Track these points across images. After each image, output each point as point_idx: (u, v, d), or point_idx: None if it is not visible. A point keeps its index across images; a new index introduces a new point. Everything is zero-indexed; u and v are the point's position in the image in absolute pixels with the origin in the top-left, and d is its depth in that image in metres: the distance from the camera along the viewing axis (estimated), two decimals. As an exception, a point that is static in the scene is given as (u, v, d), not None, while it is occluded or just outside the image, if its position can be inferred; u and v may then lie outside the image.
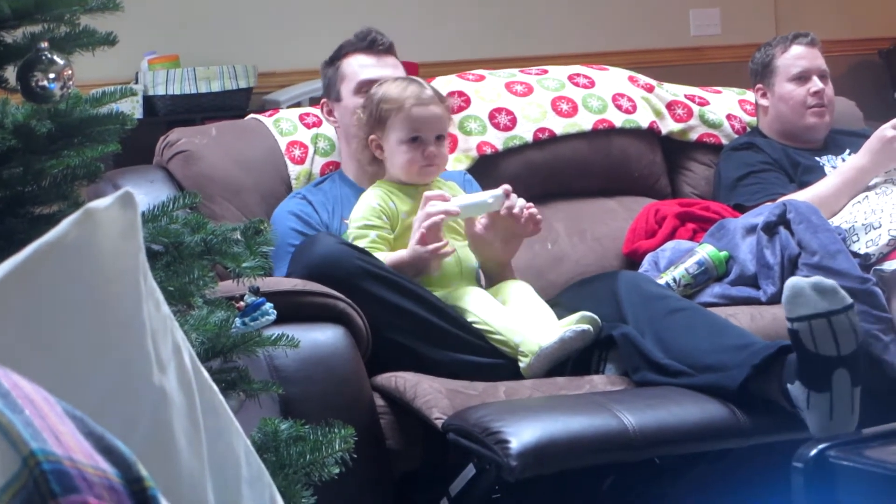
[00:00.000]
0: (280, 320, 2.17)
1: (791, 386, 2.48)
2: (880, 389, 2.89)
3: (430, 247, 2.86)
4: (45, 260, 1.02)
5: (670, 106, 3.82)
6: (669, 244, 3.40)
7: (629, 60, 4.54)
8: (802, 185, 3.54)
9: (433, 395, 2.59)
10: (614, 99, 3.74)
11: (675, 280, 3.22)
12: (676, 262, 3.28)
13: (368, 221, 2.97)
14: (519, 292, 2.95)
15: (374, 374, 2.70)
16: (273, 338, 2.07)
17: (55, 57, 1.82)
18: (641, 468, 2.79)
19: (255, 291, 2.13)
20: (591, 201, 3.65)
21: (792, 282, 2.49)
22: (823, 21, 5.26)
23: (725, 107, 3.89)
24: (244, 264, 1.98)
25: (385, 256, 2.88)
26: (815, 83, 3.70)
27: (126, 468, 0.82)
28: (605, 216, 3.62)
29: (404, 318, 2.76)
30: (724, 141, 3.81)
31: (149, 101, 4.37)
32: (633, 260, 3.48)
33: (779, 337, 2.64)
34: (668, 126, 3.80)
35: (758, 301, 3.17)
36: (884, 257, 3.22)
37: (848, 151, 3.66)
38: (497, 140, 3.56)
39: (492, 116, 3.59)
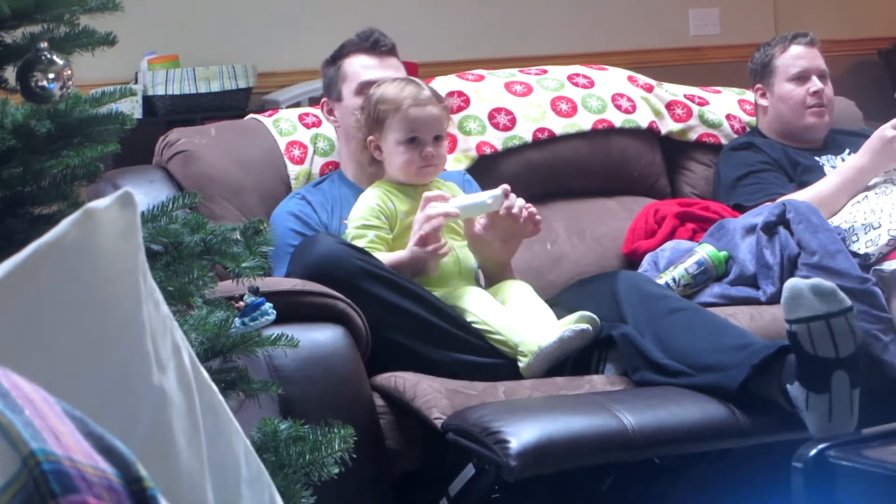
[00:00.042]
0: (279, 320, 2.17)
1: (790, 386, 2.48)
2: (880, 389, 2.89)
3: (429, 248, 2.86)
4: (44, 260, 1.02)
5: (670, 106, 3.82)
6: (669, 244, 3.40)
7: (628, 60, 4.54)
8: (802, 185, 3.54)
9: (433, 394, 2.59)
10: (614, 99, 3.75)
11: (674, 280, 3.22)
12: (676, 262, 3.28)
13: (367, 221, 2.98)
14: (518, 292, 2.95)
15: (374, 374, 2.70)
16: (272, 338, 2.07)
17: (55, 57, 1.82)
18: (641, 468, 2.79)
19: (255, 291, 2.13)
20: (590, 201, 3.65)
21: (791, 283, 2.48)
22: (823, 21, 5.26)
23: (725, 107, 3.89)
24: (244, 264, 1.98)
25: (383, 257, 2.88)
26: (815, 83, 3.70)
27: (125, 468, 0.82)
28: (604, 216, 3.62)
29: (404, 317, 2.76)
30: (724, 141, 3.81)
31: (148, 101, 4.37)
32: (632, 260, 3.48)
33: (778, 337, 2.64)
34: (668, 126, 3.80)
35: (757, 301, 3.17)
36: (883, 257, 3.22)
37: (847, 151, 3.66)
38: (496, 140, 3.56)
39: (491, 116, 3.59)
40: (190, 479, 1.08)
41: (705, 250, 3.25)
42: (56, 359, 1.03)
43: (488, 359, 2.80)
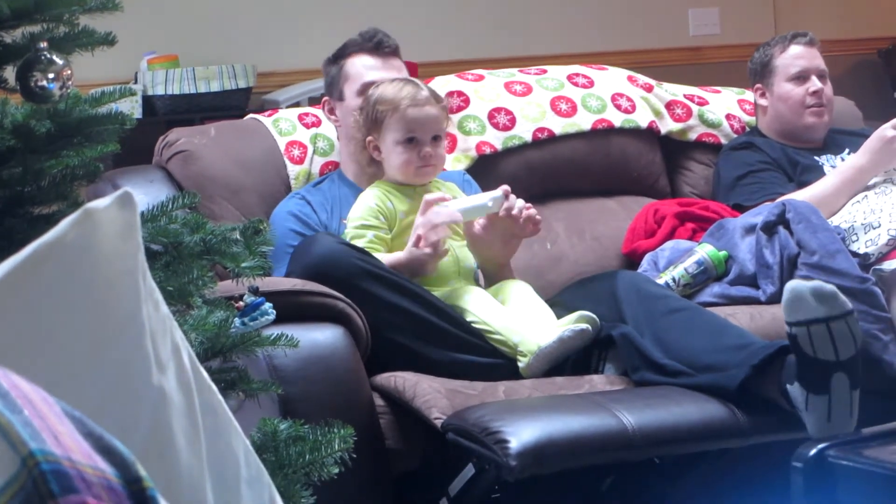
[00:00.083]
0: (279, 320, 2.17)
1: (790, 386, 2.48)
2: (880, 389, 2.89)
3: (427, 249, 2.86)
4: (44, 260, 1.02)
5: (669, 105, 3.82)
6: (669, 244, 3.40)
7: (628, 60, 4.54)
8: (801, 184, 3.54)
9: (432, 394, 2.59)
10: (613, 99, 3.75)
11: (674, 280, 3.22)
12: (676, 261, 3.28)
13: (366, 221, 2.98)
14: (518, 292, 2.95)
15: (374, 374, 2.70)
16: (272, 338, 2.07)
17: (54, 57, 1.82)
18: (641, 468, 2.79)
19: (255, 291, 2.13)
20: (590, 201, 3.65)
21: (792, 286, 2.48)
22: (823, 21, 5.26)
23: (724, 106, 3.89)
24: (243, 264, 1.98)
25: (382, 258, 2.88)
26: (814, 83, 3.71)
27: (125, 468, 0.82)
28: (604, 216, 3.62)
29: (404, 317, 2.76)
30: (724, 140, 3.81)
31: (148, 101, 4.37)
32: (632, 260, 3.48)
33: (778, 336, 2.64)
34: (668, 126, 3.80)
35: (757, 301, 3.17)
36: (883, 257, 3.22)
37: (847, 151, 3.66)
38: (496, 140, 3.56)
39: (491, 116, 3.59)
40: (189, 480, 1.08)
41: (705, 250, 3.25)
42: (55, 359, 1.02)
43: (488, 359, 2.80)
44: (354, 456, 2.06)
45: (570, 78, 3.77)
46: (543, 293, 2.99)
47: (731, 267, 3.25)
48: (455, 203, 2.95)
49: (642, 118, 3.74)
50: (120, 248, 1.07)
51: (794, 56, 3.74)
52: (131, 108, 4.18)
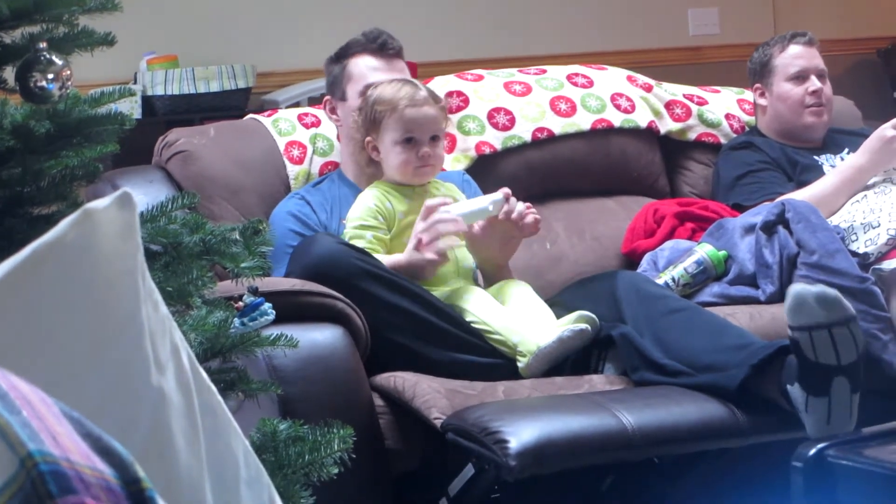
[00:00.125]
0: (279, 320, 2.17)
1: (790, 387, 2.48)
2: (879, 389, 2.89)
3: (432, 256, 2.86)
4: (43, 260, 1.02)
5: (669, 105, 3.82)
6: (668, 244, 3.40)
7: (628, 60, 4.54)
8: (801, 184, 3.54)
9: (432, 394, 2.59)
10: (613, 98, 3.75)
11: (673, 279, 3.22)
12: (675, 261, 3.28)
13: (365, 222, 2.98)
14: (518, 292, 2.95)
15: (373, 374, 2.70)
16: (272, 338, 2.07)
17: (54, 57, 1.82)
18: (641, 468, 2.79)
19: (254, 291, 2.13)
20: (589, 201, 3.65)
21: (795, 290, 2.46)
22: (822, 20, 5.26)
23: (724, 106, 3.89)
24: (243, 264, 1.98)
25: (381, 259, 2.88)
26: (813, 82, 3.71)
27: (124, 469, 0.82)
28: (603, 216, 3.62)
29: (403, 317, 2.76)
30: (723, 140, 3.81)
31: (147, 102, 4.37)
32: (631, 259, 3.48)
33: (778, 336, 2.64)
34: (667, 125, 3.80)
35: (757, 300, 3.17)
36: (882, 256, 3.22)
37: (847, 151, 3.66)
38: (496, 140, 3.56)
39: (490, 116, 3.59)
40: (189, 480, 1.08)
41: (704, 250, 3.25)
42: (55, 359, 1.02)
43: (487, 359, 2.80)
44: (354, 456, 2.06)
45: (569, 78, 3.77)
46: (543, 293, 2.99)
47: (730, 267, 3.25)
48: (455, 207, 2.94)
49: (642, 118, 3.75)
50: (119, 248, 1.07)
51: (794, 56, 3.74)
52: (131, 108, 4.18)
